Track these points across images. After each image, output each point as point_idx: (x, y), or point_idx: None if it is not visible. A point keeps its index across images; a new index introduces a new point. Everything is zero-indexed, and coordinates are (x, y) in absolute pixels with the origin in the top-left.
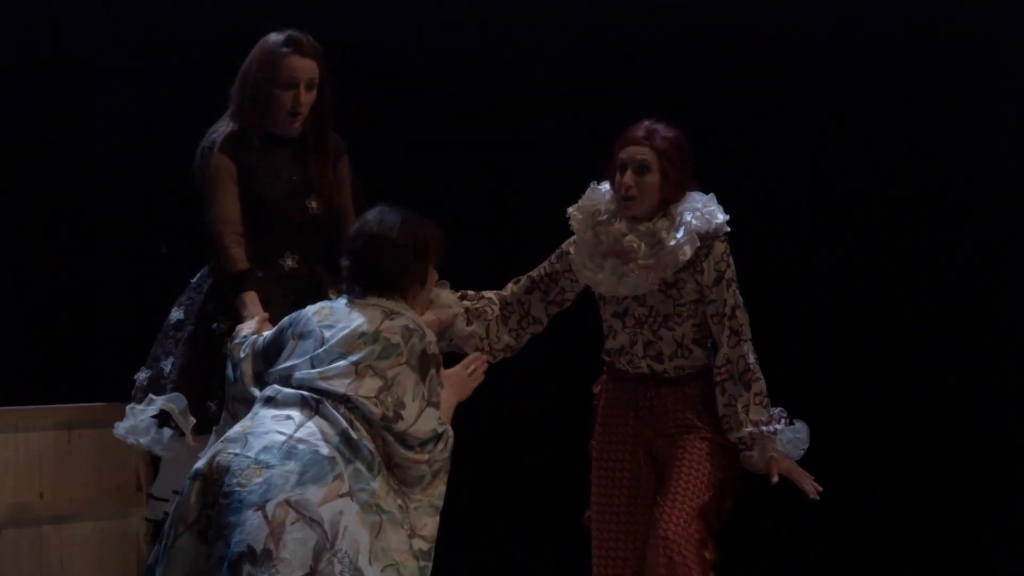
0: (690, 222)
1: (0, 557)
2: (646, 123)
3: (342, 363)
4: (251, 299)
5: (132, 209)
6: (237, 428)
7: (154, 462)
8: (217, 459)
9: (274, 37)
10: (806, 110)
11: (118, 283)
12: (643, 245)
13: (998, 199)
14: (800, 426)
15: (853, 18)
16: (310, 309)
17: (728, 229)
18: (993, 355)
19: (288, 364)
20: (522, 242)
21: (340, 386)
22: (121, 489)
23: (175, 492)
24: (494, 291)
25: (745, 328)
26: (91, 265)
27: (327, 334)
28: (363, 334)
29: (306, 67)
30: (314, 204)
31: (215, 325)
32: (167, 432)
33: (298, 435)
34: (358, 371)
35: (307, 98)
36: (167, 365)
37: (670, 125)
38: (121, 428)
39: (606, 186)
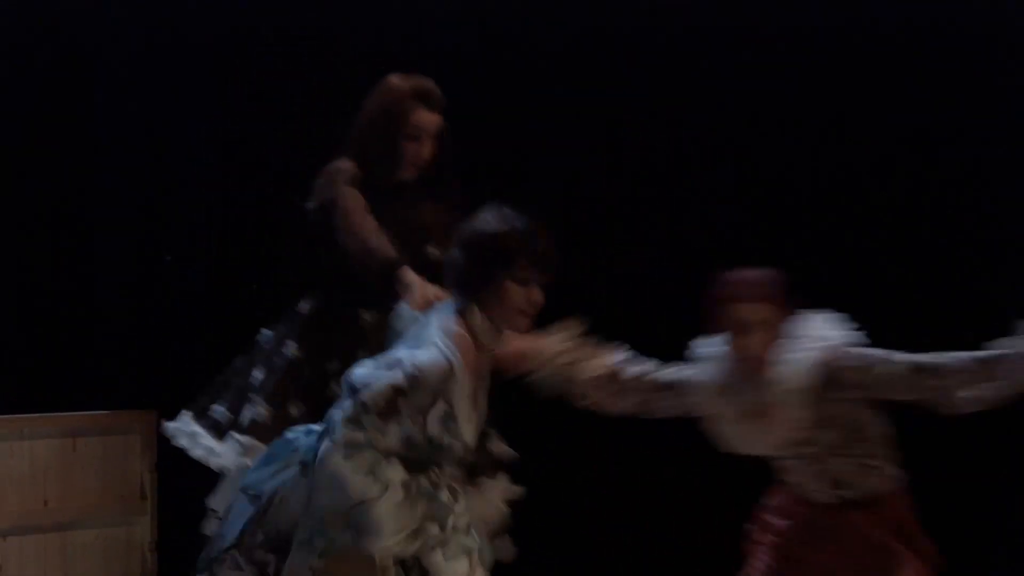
0: (799, 358)
1: (5, 565)
2: (735, 277)
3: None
4: (407, 271)
5: (132, 210)
6: None
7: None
8: None
9: (400, 84)
10: (806, 110)
11: (122, 288)
12: (772, 398)
13: (998, 199)
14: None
15: (853, 18)
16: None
17: (850, 341)
18: None
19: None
20: None
21: None
22: (126, 497)
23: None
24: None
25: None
26: (94, 270)
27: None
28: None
29: (433, 121)
30: (434, 251)
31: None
32: (232, 446)
33: None
34: None
35: (429, 149)
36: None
37: (749, 268)
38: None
39: (710, 347)
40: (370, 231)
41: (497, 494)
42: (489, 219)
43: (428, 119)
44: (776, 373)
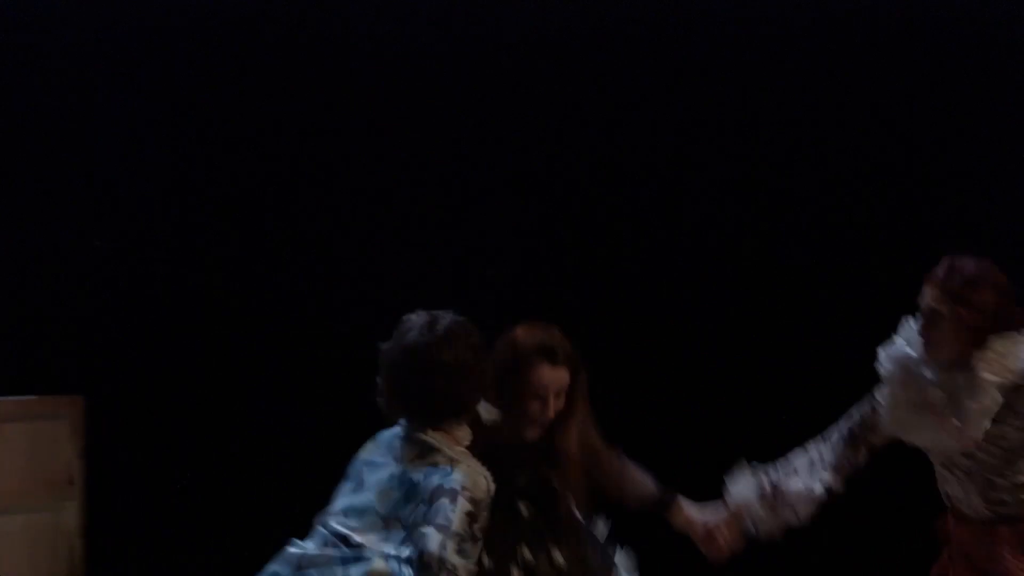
0: (986, 378)
1: None
2: (949, 260)
3: (373, 517)
4: None
5: (62, 195)
6: None
7: None
8: None
9: (526, 339)
10: (806, 110)
11: (50, 273)
12: (947, 400)
13: (998, 199)
14: None
15: (853, 18)
16: (368, 444)
17: None
18: None
19: (330, 509)
20: (518, 243)
21: (371, 541)
22: (53, 483)
23: None
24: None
25: None
26: (23, 255)
27: (366, 476)
28: (392, 476)
29: (559, 378)
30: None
31: None
32: None
33: None
34: (388, 524)
35: (555, 406)
36: None
37: (980, 256)
38: None
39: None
40: None
41: None
42: (452, 326)
43: (552, 375)
44: (957, 379)
